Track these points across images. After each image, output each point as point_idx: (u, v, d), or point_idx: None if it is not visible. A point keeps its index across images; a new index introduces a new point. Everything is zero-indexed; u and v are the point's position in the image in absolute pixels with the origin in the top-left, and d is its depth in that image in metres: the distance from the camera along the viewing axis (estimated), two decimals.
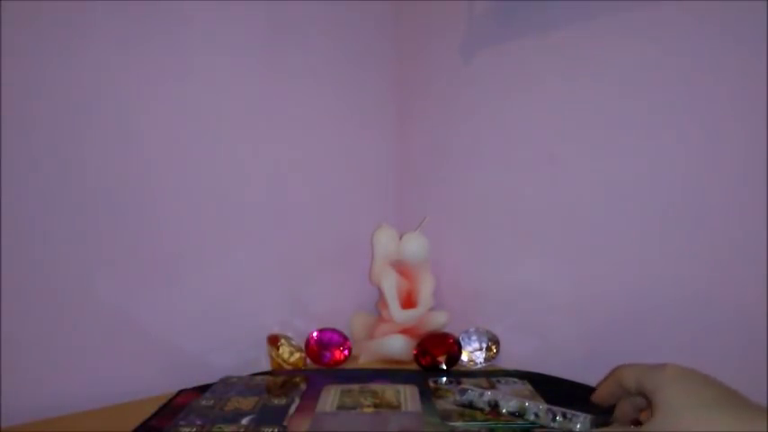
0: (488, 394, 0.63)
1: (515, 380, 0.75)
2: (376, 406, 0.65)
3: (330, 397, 0.69)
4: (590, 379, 0.74)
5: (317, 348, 0.86)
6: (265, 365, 0.86)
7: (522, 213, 0.86)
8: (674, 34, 0.68)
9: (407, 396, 0.69)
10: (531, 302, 0.85)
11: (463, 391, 0.65)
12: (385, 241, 0.93)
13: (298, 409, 0.65)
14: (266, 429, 0.58)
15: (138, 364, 0.75)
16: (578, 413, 0.57)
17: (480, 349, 0.86)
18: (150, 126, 0.76)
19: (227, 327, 0.84)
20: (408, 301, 0.92)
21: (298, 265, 0.93)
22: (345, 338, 0.88)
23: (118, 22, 0.73)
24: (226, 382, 0.74)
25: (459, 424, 0.60)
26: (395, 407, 0.65)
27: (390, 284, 0.89)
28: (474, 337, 0.87)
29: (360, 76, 1.02)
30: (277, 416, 0.62)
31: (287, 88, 0.91)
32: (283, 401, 0.66)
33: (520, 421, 0.60)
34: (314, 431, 0.59)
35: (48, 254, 0.68)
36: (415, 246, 0.92)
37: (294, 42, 0.92)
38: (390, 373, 0.80)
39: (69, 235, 0.70)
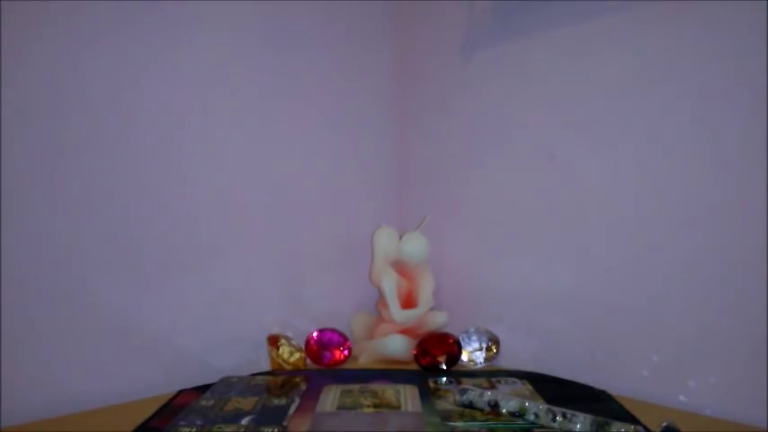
0: (488, 394, 0.63)
1: (515, 380, 0.75)
2: (376, 406, 0.65)
3: (330, 397, 0.69)
4: (590, 379, 0.74)
5: (317, 348, 0.86)
6: (265, 365, 0.86)
7: (521, 213, 0.86)
8: (674, 34, 0.68)
9: (407, 396, 0.69)
10: (531, 302, 0.85)
11: (463, 391, 0.65)
12: (385, 241, 0.93)
13: (298, 409, 0.65)
14: (266, 429, 0.58)
15: (138, 364, 0.75)
16: (578, 413, 0.57)
17: (480, 349, 0.86)
18: (151, 127, 0.76)
19: (227, 327, 0.84)
20: (408, 301, 0.92)
21: (298, 265, 0.93)
22: (345, 338, 0.88)
23: (120, 24, 0.73)
24: (226, 382, 0.74)
25: (459, 424, 0.60)
26: (395, 407, 0.65)
27: (390, 284, 0.89)
28: (474, 337, 0.87)
29: (360, 76, 1.02)
30: (277, 416, 0.62)
31: (287, 89, 0.91)
32: (283, 401, 0.66)
33: (520, 421, 0.60)
34: (314, 431, 0.59)
35: (48, 254, 0.68)
36: (415, 246, 0.92)
37: (294, 43, 0.92)
38: (390, 373, 0.80)
39: (69, 235, 0.70)
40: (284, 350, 0.83)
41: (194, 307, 0.81)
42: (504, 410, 0.61)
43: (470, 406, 0.64)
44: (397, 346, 0.86)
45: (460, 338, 0.86)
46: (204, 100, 0.82)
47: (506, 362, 0.87)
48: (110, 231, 0.73)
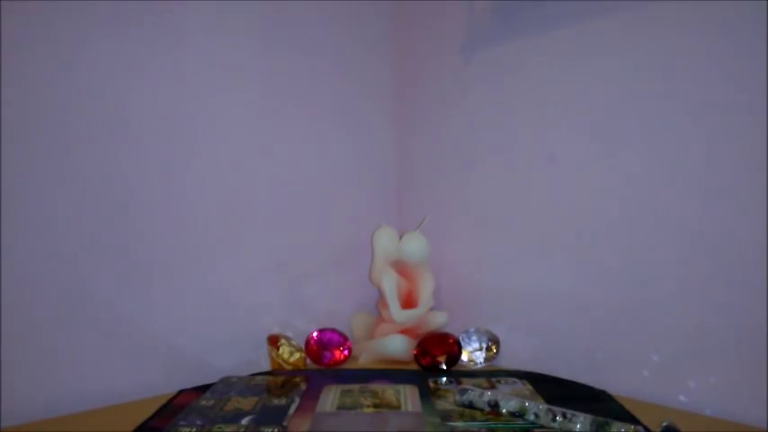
0: (488, 394, 0.63)
1: (515, 380, 0.75)
2: (376, 406, 0.65)
3: (330, 397, 0.69)
4: (590, 379, 0.74)
5: (317, 348, 0.86)
6: (265, 365, 0.86)
7: (521, 213, 0.86)
8: (674, 34, 0.68)
9: (407, 396, 0.69)
10: (530, 302, 0.85)
11: (463, 391, 0.65)
12: (385, 241, 0.93)
13: (298, 409, 0.65)
14: (266, 429, 0.58)
15: (138, 364, 0.75)
16: (578, 413, 0.57)
17: (480, 349, 0.86)
18: (151, 128, 0.76)
19: (227, 327, 0.84)
20: (408, 301, 0.92)
21: (298, 265, 0.93)
22: (345, 338, 0.88)
23: (119, 23, 0.73)
24: (226, 382, 0.74)
25: (459, 424, 0.60)
26: (395, 407, 0.65)
27: (390, 284, 0.89)
28: (474, 337, 0.87)
29: (360, 76, 1.02)
30: (277, 416, 0.62)
31: (287, 89, 0.91)
32: (283, 401, 0.66)
33: (520, 421, 0.60)
34: (314, 431, 0.59)
35: (48, 254, 0.68)
36: (415, 246, 0.92)
37: (294, 43, 0.92)
38: (390, 373, 0.80)
39: (69, 235, 0.70)
40: (284, 350, 0.83)
41: (194, 307, 0.81)
42: (504, 410, 0.61)
43: (470, 406, 0.64)
44: (397, 346, 0.86)
45: (460, 338, 0.86)
46: (204, 101, 0.82)
47: (506, 362, 0.87)
48: (110, 231, 0.73)
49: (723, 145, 0.64)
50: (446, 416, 0.62)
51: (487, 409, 0.62)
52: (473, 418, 0.61)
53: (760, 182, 0.61)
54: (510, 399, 0.61)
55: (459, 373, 0.80)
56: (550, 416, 0.58)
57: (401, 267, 0.93)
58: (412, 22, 1.05)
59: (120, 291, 0.74)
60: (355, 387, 0.73)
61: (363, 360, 0.89)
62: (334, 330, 0.88)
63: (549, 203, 0.82)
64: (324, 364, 0.86)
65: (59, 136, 0.69)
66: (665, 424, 0.54)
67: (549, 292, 0.82)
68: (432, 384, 0.74)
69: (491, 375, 0.78)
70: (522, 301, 0.86)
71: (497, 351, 0.86)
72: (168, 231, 0.78)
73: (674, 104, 0.68)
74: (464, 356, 0.86)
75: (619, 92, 0.73)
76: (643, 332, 0.71)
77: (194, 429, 0.58)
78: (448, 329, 0.89)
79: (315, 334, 0.87)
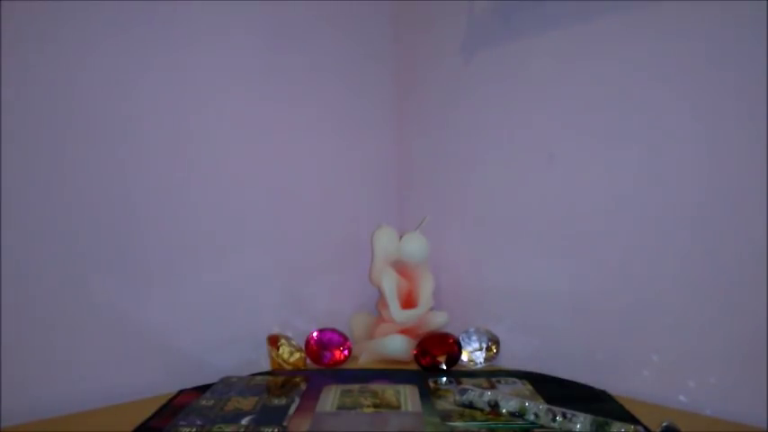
0: (488, 394, 0.63)
1: (515, 380, 0.75)
2: (376, 406, 0.65)
3: (330, 397, 0.69)
4: (590, 379, 0.74)
5: (317, 348, 0.86)
6: (265, 365, 0.86)
7: (521, 213, 0.86)
8: (673, 34, 0.68)
9: (407, 396, 0.69)
10: (530, 302, 0.85)
11: (463, 391, 0.65)
12: (385, 241, 0.93)
13: (298, 409, 0.65)
14: (266, 429, 0.58)
15: (138, 364, 0.75)
16: (578, 413, 0.57)
17: (480, 349, 0.86)
18: (150, 126, 0.76)
19: (227, 327, 0.84)
20: (408, 301, 0.92)
21: (298, 265, 0.93)
22: (345, 338, 0.88)
23: (120, 24, 0.73)
24: (226, 382, 0.74)
25: (459, 424, 0.60)
26: (395, 407, 0.65)
27: (390, 284, 0.89)
28: (474, 337, 0.87)
29: (360, 76, 1.02)
30: (277, 416, 0.62)
31: (287, 89, 0.91)
32: (283, 401, 0.66)
33: (520, 421, 0.60)
34: (314, 431, 0.59)
35: (48, 254, 0.68)
36: (415, 246, 0.92)
37: (294, 43, 0.92)
38: (390, 373, 0.80)
39: (70, 235, 0.70)
40: (284, 350, 0.83)
41: (194, 307, 0.81)
42: (504, 410, 0.61)
43: (470, 406, 0.64)
44: (397, 346, 0.86)
45: (460, 338, 0.86)
46: (204, 102, 0.82)
47: (506, 362, 0.87)
48: (110, 231, 0.73)
49: (723, 145, 0.64)
50: (446, 416, 0.62)
51: (487, 409, 0.62)
52: (473, 418, 0.61)
53: (760, 182, 0.61)
54: (510, 399, 0.61)
55: (459, 373, 0.80)
56: (550, 416, 0.58)
57: (401, 267, 0.93)
58: (412, 22, 1.05)
59: (120, 291, 0.74)
60: (355, 387, 0.73)
61: (363, 360, 0.89)
62: (334, 330, 0.88)
63: (549, 203, 0.82)
64: (324, 364, 0.86)
65: (60, 136, 0.69)
66: (665, 424, 0.54)
67: (549, 292, 0.82)
68: (432, 384, 0.74)
69: (491, 375, 0.78)
70: (522, 301, 0.86)
71: (497, 351, 0.86)
72: (168, 231, 0.78)
73: (674, 104, 0.68)
74: (464, 356, 0.86)
75: (619, 92, 0.73)
76: (643, 332, 0.71)
77: (194, 429, 0.58)
78: (448, 329, 0.89)
79: (315, 334, 0.87)
